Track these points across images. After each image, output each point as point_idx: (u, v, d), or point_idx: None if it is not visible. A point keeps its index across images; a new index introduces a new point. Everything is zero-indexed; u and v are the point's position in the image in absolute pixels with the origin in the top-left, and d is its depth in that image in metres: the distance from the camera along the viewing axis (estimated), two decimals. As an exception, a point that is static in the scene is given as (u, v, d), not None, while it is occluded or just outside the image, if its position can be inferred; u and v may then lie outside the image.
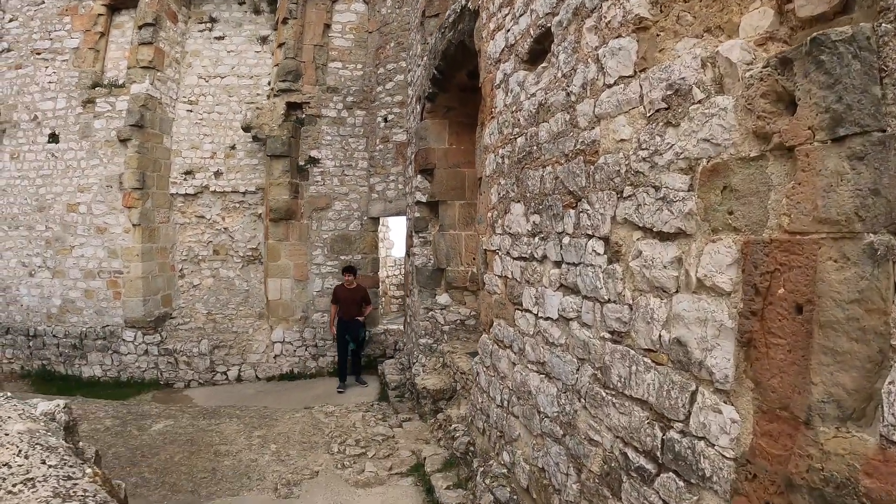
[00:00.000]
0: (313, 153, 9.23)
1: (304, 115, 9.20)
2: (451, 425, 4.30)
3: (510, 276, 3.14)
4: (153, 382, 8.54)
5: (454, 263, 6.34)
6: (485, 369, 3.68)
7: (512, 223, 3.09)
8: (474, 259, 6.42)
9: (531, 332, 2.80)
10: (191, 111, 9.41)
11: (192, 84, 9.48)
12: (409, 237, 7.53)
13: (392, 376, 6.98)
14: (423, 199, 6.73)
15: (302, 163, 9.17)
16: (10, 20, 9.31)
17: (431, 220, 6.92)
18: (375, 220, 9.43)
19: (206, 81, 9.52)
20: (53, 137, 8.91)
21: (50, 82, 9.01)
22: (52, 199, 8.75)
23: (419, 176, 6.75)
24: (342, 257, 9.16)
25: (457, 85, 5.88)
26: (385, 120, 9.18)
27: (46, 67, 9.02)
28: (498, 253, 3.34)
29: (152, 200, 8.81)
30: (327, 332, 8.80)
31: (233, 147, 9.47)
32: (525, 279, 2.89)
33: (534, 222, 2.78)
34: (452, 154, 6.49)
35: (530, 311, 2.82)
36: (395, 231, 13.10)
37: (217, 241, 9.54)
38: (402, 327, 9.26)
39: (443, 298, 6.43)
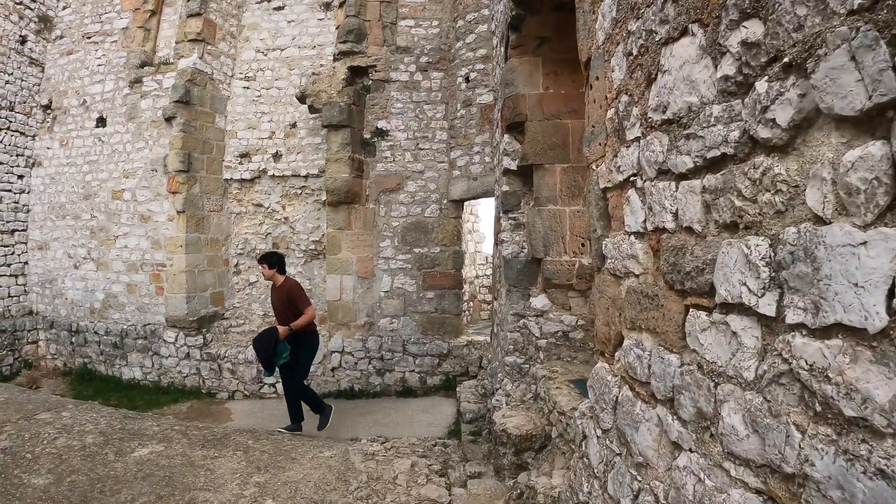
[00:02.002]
0: (381, 124, 8.13)
1: (369, 82, 8.22)
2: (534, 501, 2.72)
3: (673, 226, 1.49)
4: (194, 390, 8.03)
5: (555, 252, 4.75)
6: (599, 432, 2.06)
7: (673, 89, 1.44)
8: (583, 246, 4.79)
9: (741, 374, 1.17)
10: (247, 88, 8.93)
11: (248, 59, 9.02)
12: (497, 221, 6.10)
13: (468, 404, 5.51)
14: (513, 166, 5.25)
15: (367, 136, 8.10)
16: (64, 7, 9.54)
17: (524, 195, 5.40)
18: (458, 204, 8.06)
19: (265, 55, 8.96)
20: (101, 122, 8.88)
21: (99, 65, 9.02)
22: (98, 185, 8.56)
23: (507, 135, 5.30)
24: (416, 250, 7.93)
25: (550, 3, 4.36)
26: (466, 80, 7.87)
27: (96, 50, 9.03)
28: (633, 185, 1.72)
29: (200, 185, 8.34)
30: (396, 342, 7.59)
31: (293, 125, 8.77)
32: (721, 222, 1.25)
33: (737, 55, 1.15)
34: (549, 101, 4.97)
35: (740, 308, 1.19)
36: (486, 221, 11.64)
37: (276, 232, 8.86)
38: (489, 338, 7.78)
39: (539, 301, 4.86)
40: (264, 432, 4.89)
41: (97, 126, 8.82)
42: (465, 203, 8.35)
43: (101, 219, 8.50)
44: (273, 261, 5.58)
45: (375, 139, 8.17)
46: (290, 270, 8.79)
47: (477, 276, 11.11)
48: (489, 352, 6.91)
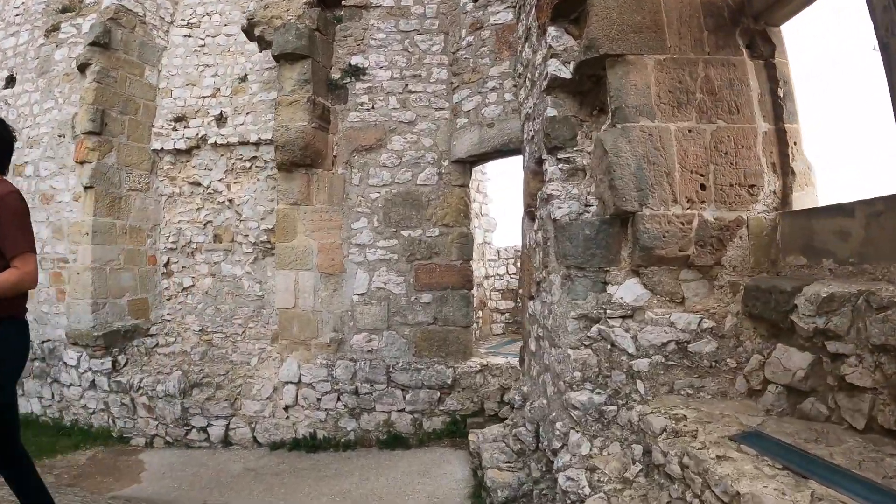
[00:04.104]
0: (356, 60, 6.57)
1: (341, 12, 6.70)
2: None
3: None
4: (103, 432, 6.69)
5: (656, 199, 3.00)
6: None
7: None
8: (702, 188, 3.03)
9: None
10: (189, 36, 7.88)
11: (192, 2, 7.92)
12: (531, 177, 4.47)
13: (497, 472, 3.70)
14: (566, 72, 3.58)
15: (337, 75, 6.50)
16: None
17: (583, 122, 3.71)
18: (465, 166, 6.37)
19: (212, -3, 7.77)
20: (10, 81, 8.06)
21: (16, 15, 8.23)
22: (-5, 161, 7.11)
23: (552, 28, 3.63)
24: (405, 233, 6.27)
25: None
26: None
27: (14, -1, 8.06)
28: None
29: (118, 154, 7.17)
30: (377, 368, 5.87)
31: (243, 78, 7.42)
32: None
33: None
34: None
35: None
36: (498, 201, 9.86)
37: (219, 219, 7.52)
38: (512, 361, 6.03)
39: (627, 290, 3.13)
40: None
41: (6, 87, 8.00)
42: (475, 167, 6.61)
43: (-5, 202, 6.99)
44: None
45: (348, 80, 6.51)
46: (235, 271, 7.10)
47: (486, 277, 9.34)
48: (522, 381, 5.08)
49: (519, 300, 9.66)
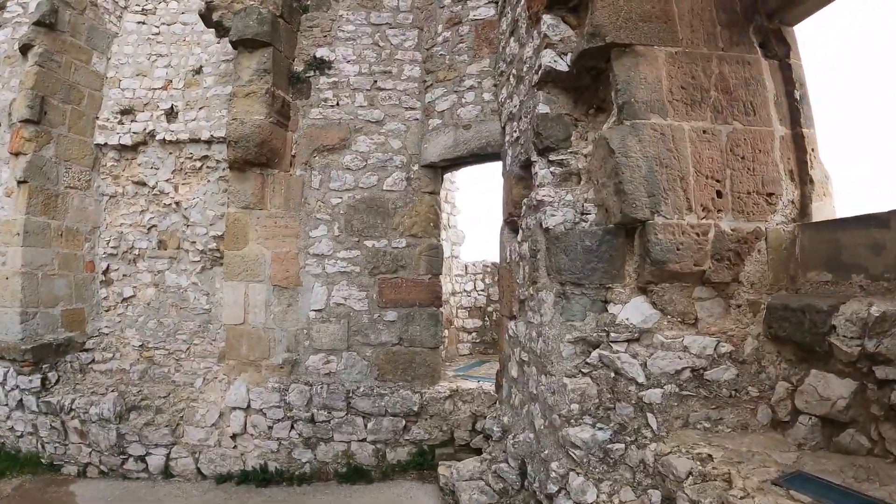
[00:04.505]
0: (321, 52, 6.31)
1: (307, 1, 6.37)
2: None
3: None
4: (31, 458, 6.13)
5: (667, 208, 2.75)
6: None
7: None
8: (719, 196, 2.81)
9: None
10: (143, 23, 7.46)
11: None
12: (514, 183, 4.26)
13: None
14: (562, 64, 3.36)
15: (299, 67, 6.20)
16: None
17: (579, 121, 3.48)
18: (436, 172, 6.14)
19: (171, -19, 7.44)
20: None
21: None
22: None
23: (548, 16, 3.37)
24: (368, 243, 5.97)
25: None
26: None
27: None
28: None
29: (58, 147, 6.72)
30: (336, 392, 5.51)
31: (198, 71, 7.08)
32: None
33: None
34: None
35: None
36: (465, 212, 9.59)
37: (165, 224, 7.14)
38: (485, 385, 5.74)
39: (634, 310, 2.87)
40: None
41: (-57, 77, 7.46)
42: (446, 173, 6.33)
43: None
44: None
45: (311, 73, 6.22)
46: (180, 281, 6.72)
47: (453, 293, 9.03)
48: (501, 411, 4.77)
49: (487, 319, 9.39)
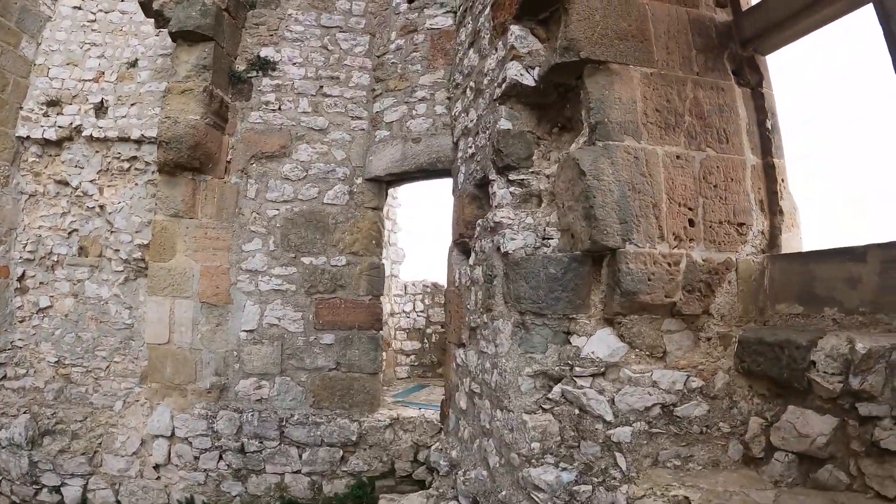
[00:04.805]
0: (266, 52, 6.18)
1: None
2: None
3: None
4: None
5: (640, 236, 2.71)
6: None
7: None
8: (691, 224, 2.79)
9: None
10: (79, 9, 7.20)
11: None
12: (467, 202, 4.17)
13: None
14: (528, 78, 3.29)
15: (241, 67, 6.01)
16: None
17: (542, 140, 3.43)
18: (381, 186, 6.05)
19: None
20: None
21: None
22: None
23: (516, 27, 3.26)
24: (306, 260, 5.82)
25: None
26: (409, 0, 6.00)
27: None
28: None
29: None
30: (269, 420, 5.26)
31: (133, 63, 6.87)
32: None
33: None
34: None
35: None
36: (406, 229, 9.48)
37: (86, 229, 6.85)
38: (427, 413, 5.61)
39: (600, 343, 2.80)
40: None
41: None
42: (391, 188, 6.19)
43: None
44: None
45: (254, 73, 6.03)
46: (101, 292, 6.55)
47: (392, 314, 8.88)
48: (440, 441, 4.61)
49: (426, 341, 9.26)
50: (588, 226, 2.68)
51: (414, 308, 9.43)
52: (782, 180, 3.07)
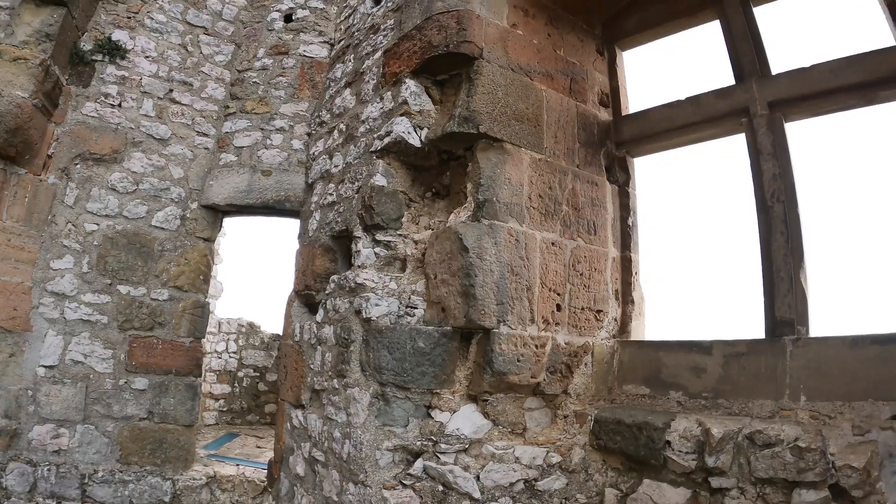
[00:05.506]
0: (119, 35, 5.62)
1: None
2: None
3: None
4: None
5: (513, 318, 2.97)
6: None
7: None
8: (558, 309, 3.13)
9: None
10: None
11: None
12: (319, 254, 4.22)
13: None
14: (416, 139, 3.52)
15: (87, 46, 5.46)
16: None
17: (413, 203, 3.64)
18: (216, 216, 5.75)
19: None
20: None
21: None
22: None
23: (411, 81, 3.46)
24: (123, 289, 5.28)
25: None
26: (287, 19, 6.05)
27: None
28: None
29: None
30: (67, 476, 4.79)
31: None
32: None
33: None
34: (517, 45, 3.48)
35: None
36: (230, 260, 9.14)
37: None
38: (247, 471, 5.51)
39: (465, 419, 3.00)
40: None
41: None
42: (227, 219, 6.02)
43: None
44: None
45: (100, 57, 5.43)
46: None
47: (207, 353, 8.44)
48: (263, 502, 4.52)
49: (237, 385, 8.94)
50: (465, 303, 2.86)
51: (227, 348, 9.03)
52: (636, 273, 3.55)
